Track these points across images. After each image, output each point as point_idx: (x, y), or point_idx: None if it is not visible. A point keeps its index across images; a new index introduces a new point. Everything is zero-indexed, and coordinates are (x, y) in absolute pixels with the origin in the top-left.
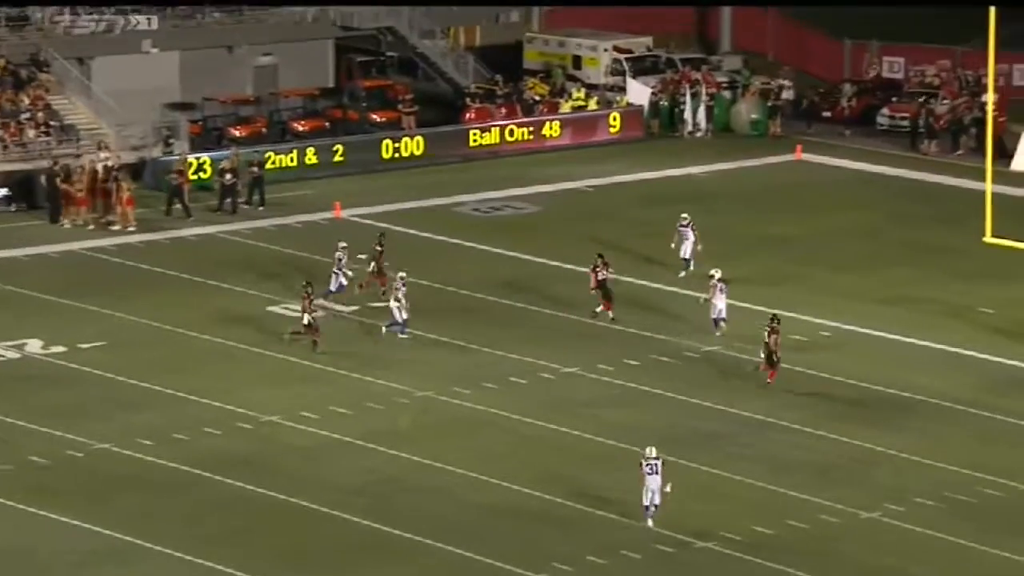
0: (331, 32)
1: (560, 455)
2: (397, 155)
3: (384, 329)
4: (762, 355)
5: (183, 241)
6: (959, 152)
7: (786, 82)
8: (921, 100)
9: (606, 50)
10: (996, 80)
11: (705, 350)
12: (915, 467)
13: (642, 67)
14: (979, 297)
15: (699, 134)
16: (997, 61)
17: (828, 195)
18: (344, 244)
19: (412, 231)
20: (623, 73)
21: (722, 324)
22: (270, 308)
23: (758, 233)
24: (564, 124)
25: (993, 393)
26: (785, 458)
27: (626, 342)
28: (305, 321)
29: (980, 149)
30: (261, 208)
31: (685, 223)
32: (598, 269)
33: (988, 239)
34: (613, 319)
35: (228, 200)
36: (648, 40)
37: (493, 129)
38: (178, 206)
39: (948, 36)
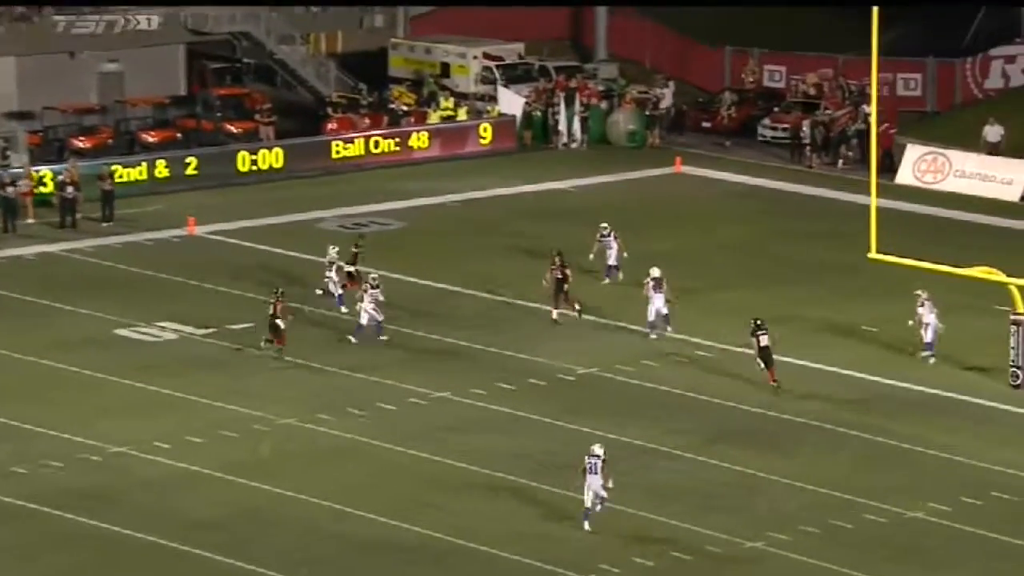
0: (182, 36)
1: (430, 484)
2: (255, 168)
3: (352, 339)
4: (759, 363)
5: (21, 261)
6: (841, 164)
7: (664, 91)
8: (802, 111)
9: (475, 57)
10: (880, 89)
11: (581, 372)
12: (798, 493)
13: (514, 75)
14: (864, 315)
15: (574, 145)
16: (880, 69)
17: (710, 209)
18: (336, 248)
19: (271, 248)
20: (494, 82)
21: (661, 325)
22: (117, 331)
23: (638, 250)
24: (432, 135)
25: (877, 414)
26: (667, 486)
27: (501, 364)
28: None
29: (865, 161)
30: (107, 224)
31: (607, 233)
32: (554, 269)
33: (873, 255)
34: (580, 310)
35: (69, 216)
36: (520, 47)
37: (357, 140)
38: (30, 221)
39: (830, 44)
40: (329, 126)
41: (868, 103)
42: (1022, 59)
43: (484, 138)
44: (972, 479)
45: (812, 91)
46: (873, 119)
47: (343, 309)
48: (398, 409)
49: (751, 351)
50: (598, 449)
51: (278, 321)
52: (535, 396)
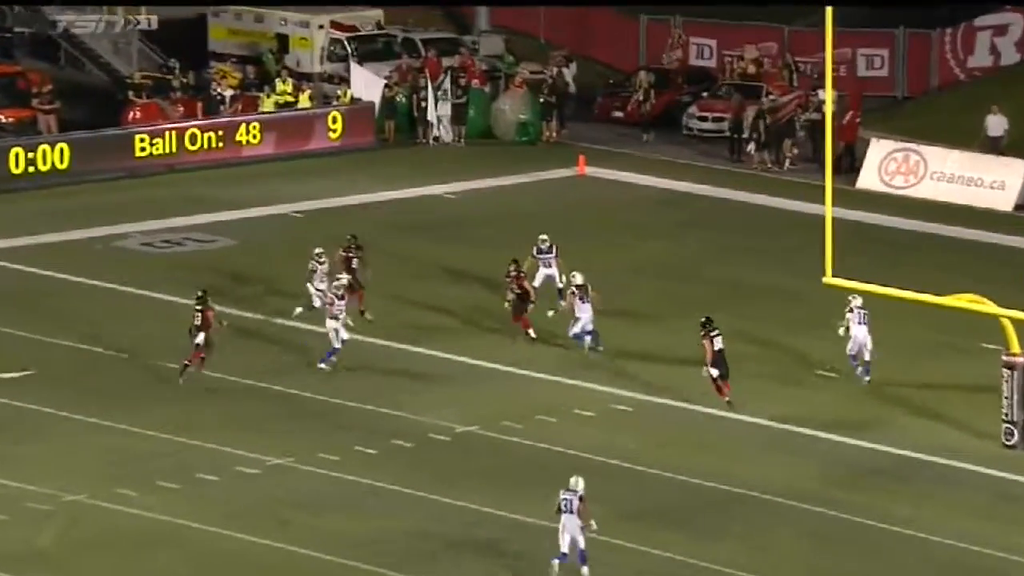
0: None
1: None
2: (32, 169)
3: (321, 364)
4: (710, 372)
5: None
6: (788, 164)
7: (564, 71)
8: (740, 96)
9: (321, 27)
10: (836, 69)
11: (459, 431)
12: None
13: (371, 50)
14: (818, 355)
15: (449, 140)
16: (837, 44)
17: (622, 221)
18: (321, 250)
19: (53, 273)
20: (345, 59)
21: (588, 340)
22: None
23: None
24: (266, 127)
25: (832, 484)
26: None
27: (358, 421)
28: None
29: (818, 160)
30: None
31: (546, 247)
32: (510, 281)
33: (828, 279)
34: (535, 338)
35: None
36: (378, 14)
37: (168, 133)
38: None
39: (774, 13)
40: (131, 115)
41: (822, 86)
42: (1015, 30)
43: (333, 131)
44: (940, 558)
45: (751, 70)
46: (828, 106)
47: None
48: (224, 481)
49: (709, 369)
50: (576, 483)
51: (202, 334)
52: (401, 462)
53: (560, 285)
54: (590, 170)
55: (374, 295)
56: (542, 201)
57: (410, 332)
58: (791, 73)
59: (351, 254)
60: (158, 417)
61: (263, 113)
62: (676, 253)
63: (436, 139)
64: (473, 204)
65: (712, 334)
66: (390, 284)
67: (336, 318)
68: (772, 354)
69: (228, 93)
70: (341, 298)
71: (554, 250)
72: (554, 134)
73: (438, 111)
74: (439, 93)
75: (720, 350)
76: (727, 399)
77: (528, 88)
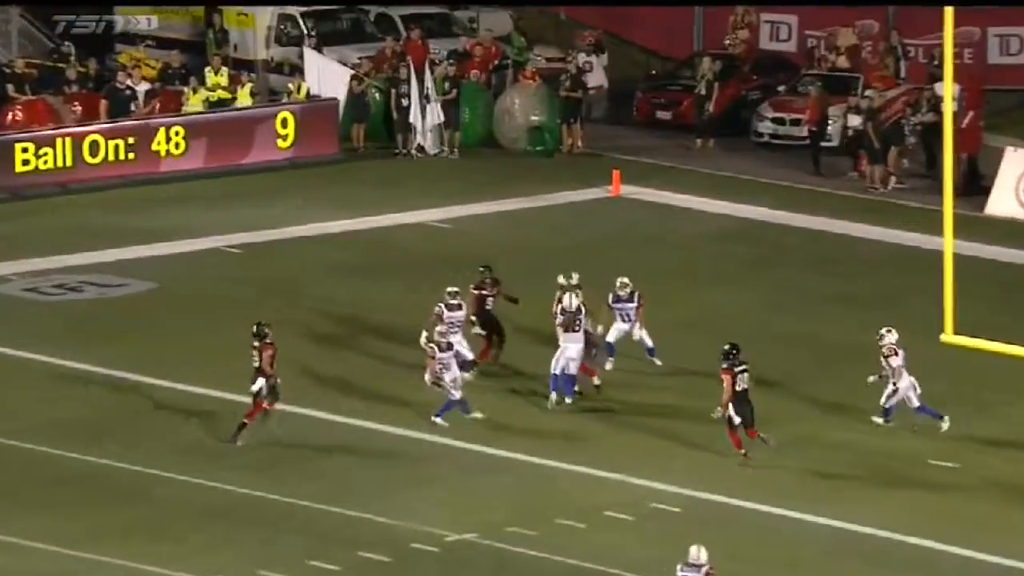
0: None
1: None
2: None
3: (437, 418)
4: (725, 413)
5: None
6: (893, 182)
7: (591, 59)
8: (827, 92)
9: None
10: (959, 55)
11: (451, 540)
12: None
13: (335, 31)
14: (932, 440)
15: (435, 151)
16: (958, 23)
17: (669, 260)
18: (455, 289)
19: None
20: (299, 41)
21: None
22: None
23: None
24: (192, 133)
25: None
26: None
27: (315, 527)
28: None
29: (934, 177)
30: None
31: (626, 294)
32: (485, 290)
33: (948, 338)
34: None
35: None
36: None
37: (60, 141)
38: None
39: None
40: (9, 116)
41: (940, 79)
42: None
43: (283, 138)
44: None
45: (844, 59)
46: (947, 105)
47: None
48: None
49: (726, 411)
50: (697, 554)
51: (263, 380)
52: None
53: (647, 344)
54: (626, 190)
55: (344, 359)
56: (563, 232)
57: (387, 406)
58: (897, 61)
59: (485, 291)
60: (42, 525)
61: (189, 114)
62: (740, 303)
63: (421, 149)
64: (471, 236)
65: (737, 368)
66: (360, 342)
67: (439, 379)
68: (871, 440)
69: (142, 87)
70: (448, 348)
71: (636, 298)
72: (578, 142)
73: (424, 112)
74: (426, 88)
75: (744, 391)
76: (743, 451)
77: (544, 81)
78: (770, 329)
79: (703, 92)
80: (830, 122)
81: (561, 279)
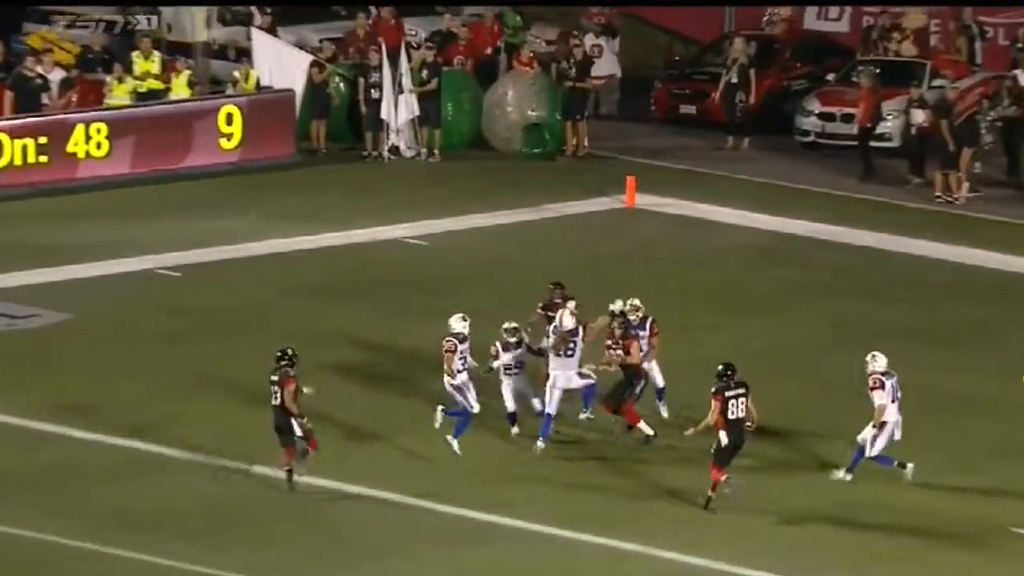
0: None
1: None
2: None
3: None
4: (724, 444)
5: None
6: (966, 191)
7: (600, 41)
8: (884, 83)
9: None
10: None
11: None
12: None
13: (291, 7)
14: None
15: (411, 153)
16: None
17: (695, 284)
18: (514, 325)
19: None
20: (247, 19)
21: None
22: None
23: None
24: (117, 131)
25: None
26: None
27: None
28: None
29: (1018, 183)
30: None
31: (639, 321)
32: (550, 310)
33: None
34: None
35: None
36: None
37: None
38: None
39: None
40: None
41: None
42: None
43: (227, 137)
44: None
45: (909, 43)
46: None
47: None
48: None
49: (695, 428)
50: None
51: (294, 419)
52: None
53: (658, 383)
54: (643, 200)
55: (305, 404)
56: (566, 251)
57: (367, 466)
58: (971, 42)
59: (553, 314)
60: None
61: (112, 108)
62: (781, 338)
63: (394, 151)
64: (454, 255)
65: (730, 393)
66: (323, 384)
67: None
68: (940, 503)
69: (55, 75)
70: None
71: (648, 326)
72: (585, 142)
73: (398, 106)
74: (400, 76)
75: (740, 420)
76: (709, 495)
77: (543, 67)
78: (818, 371)
79: (735, 81)
80: (889, 117)
81: (618, 305)
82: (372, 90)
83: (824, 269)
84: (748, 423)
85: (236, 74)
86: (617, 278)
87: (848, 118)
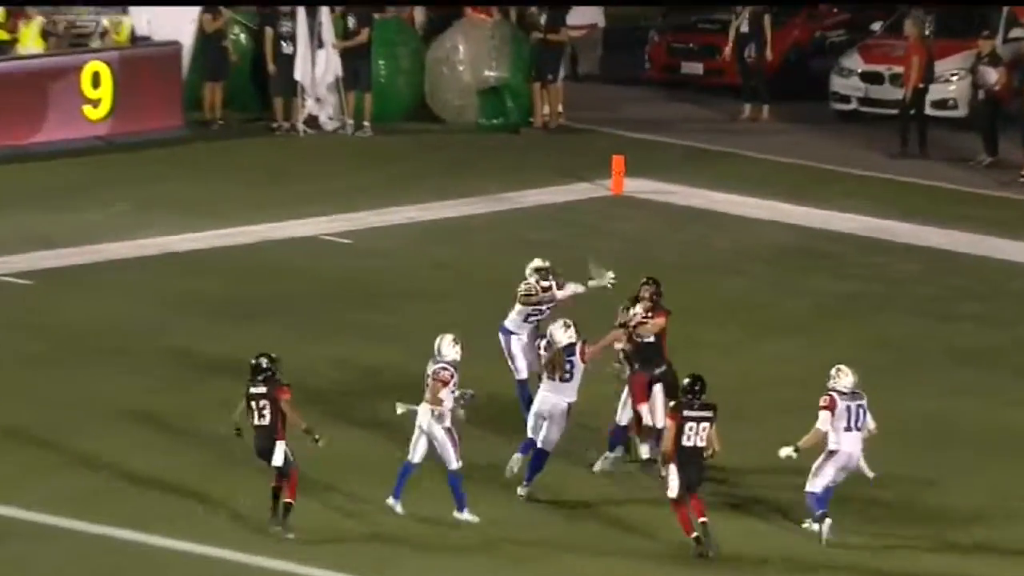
0: None
1: None
2: None
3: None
4: (669, 475)
5: None
6: None
7: None
8: (917, 21)
9: None
10: None
11: None
12: None
13: None
14: None
15: (334, 125)
16: None
17: (705, 295)
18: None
19: None
20: None
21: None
22: None
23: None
24: None
25: None
26: None
27: None
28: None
29: None
30: None
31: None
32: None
33: None
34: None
35: None
36: None
37: None
38: None
39: None
40: None
41: None
42: None
43: (94, 104)
44: None
45: None
46: None
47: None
48: None
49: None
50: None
51: (280, 446)
52: None
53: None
54: (634, 185)
55: (199, 449)
56: (534, 252)
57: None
58: None
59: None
60: None
61: None
62: (813, 363)
63: (312, 122)
64: (390, 259)
65: (689, 412)
66: (221, 420)
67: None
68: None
69: None
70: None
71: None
72: (556, 110)
73: (316, 65)
74: (319, 27)
75: (697, 449)
76: (694, 535)
77: (505, 16)
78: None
79: (745, 30)
80: (954, 77)
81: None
82: (283, 43)
83: (870, 278)
84: (708, 453)
85: (104, 22)
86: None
87: (899, 79)
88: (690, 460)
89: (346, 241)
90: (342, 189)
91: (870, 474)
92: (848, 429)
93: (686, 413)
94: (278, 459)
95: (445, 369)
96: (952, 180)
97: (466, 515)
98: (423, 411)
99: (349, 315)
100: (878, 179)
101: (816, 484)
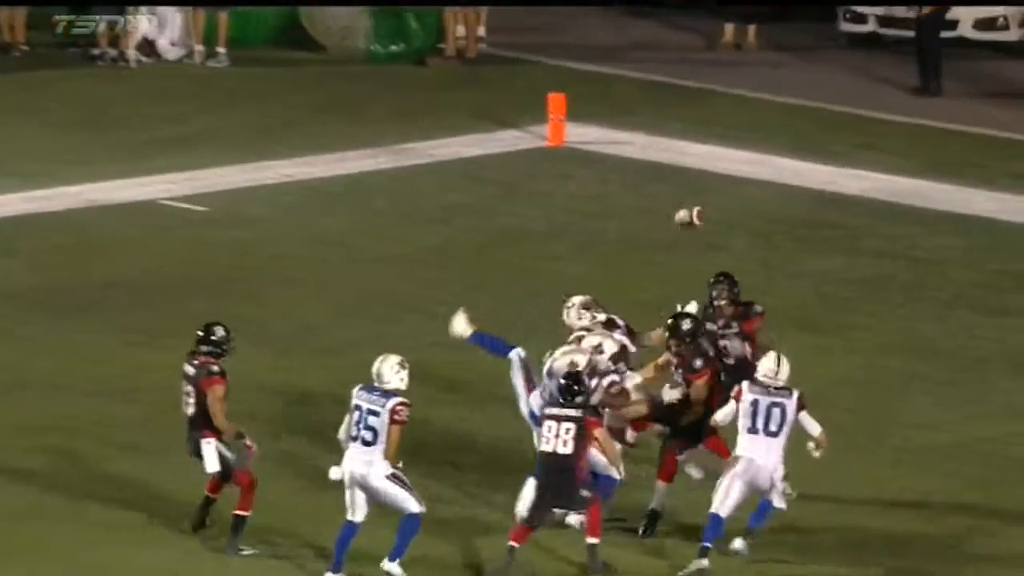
0: None
1: None
2: None
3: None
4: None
5: None
6: None
7: None
8: None
9: None
10: None
11: None
12: None
13: None
14: None
15: (178, 53)
16: None
17: (672, 279)
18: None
19: None
20: None
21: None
22: None
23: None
24: None
25: None
26: None
27: None
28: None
29: None
30: None
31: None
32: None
33: None
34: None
35: None
36: None
37: None
38: None
39: None
40: None
41: None
42: None
43: None
44: None
45: None
46: None
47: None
48: None
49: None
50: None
51: (211, 447)
52: None
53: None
54: (579, 134)
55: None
56: (444, 223)
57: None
58: None
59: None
60: None
61: None
62: (818, 367)
63: (147, 48)
64: (253, 229)
65: (551, 411)
66: (34, 460)
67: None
68: None
69: None
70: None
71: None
72: (478, 34)
73: None
74: None
75: (553, 455)
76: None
77: None
78: (878, 417)
79: None
80: None
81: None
82: None
83: (893, 256)
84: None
85: None
86: (533, 266)
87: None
88: (542, 466)
89: (198, 208)
90: (190, 138)
91: (781, 503)
92: (753, 431)
93: (547, 411)
94: (209, 463)
95: (402, 408)
96: (1002, 125)
97: (395, 568)
98: (358, 457)
99: (201, 306)
100: (903, 125)
101: (723, 505)
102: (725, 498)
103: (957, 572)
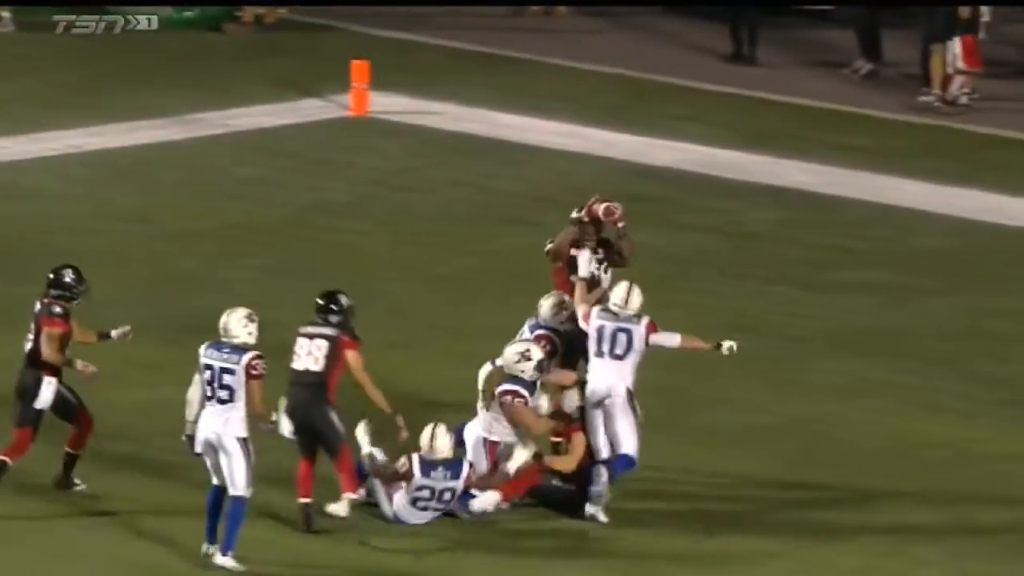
0: None
1: None
2: None
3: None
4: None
5: None
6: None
7: None
8: None
9: None
10: None
11: None
12: None
13: None
14: None
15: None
16: None
17: (506, 264)
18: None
19: None
20: None
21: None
22: None
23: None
24: None
25: None
26: None
27: None
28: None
29: None
30: None
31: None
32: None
33: None
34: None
35: None
36: None
37: None
38: None
39: None
40: None
41: None
42: None
43: None
44: None
45: None
46: None
47: None
48: None
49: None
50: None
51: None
52: None
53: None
54: (383, 102)
55: None
56: (233, 201)
57: None
58: None
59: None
60: None
61: None
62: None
63: None
64: (42, 203)
65: (305, 329)
66: None
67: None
68: None
69: None
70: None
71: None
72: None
73: None
74: None
75: (303, 372)
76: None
77: None
78: (714, 406)
79: None
80: None
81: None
82: None
83: (711, 231)
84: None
85: None
86: (338, 249)
87: None
88: (298, 387)
89: None
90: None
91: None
92: (599, 355)
93: (301, 330)
94: (43, 398)
95: (261, 358)
96: (819, 95)
97: (228, 561)
98: (215, 416)
99: None
100: (719, 94)
101: (601, 451)
102: (597, 441)
103: (783, 549)
